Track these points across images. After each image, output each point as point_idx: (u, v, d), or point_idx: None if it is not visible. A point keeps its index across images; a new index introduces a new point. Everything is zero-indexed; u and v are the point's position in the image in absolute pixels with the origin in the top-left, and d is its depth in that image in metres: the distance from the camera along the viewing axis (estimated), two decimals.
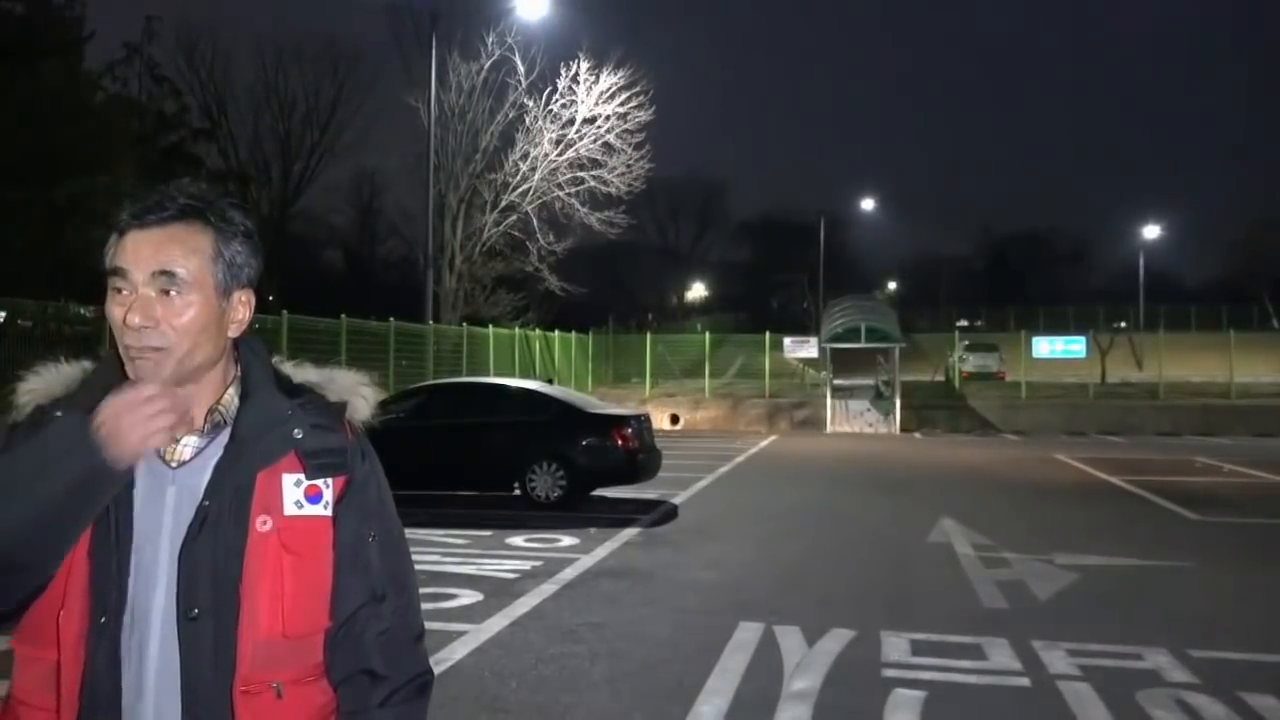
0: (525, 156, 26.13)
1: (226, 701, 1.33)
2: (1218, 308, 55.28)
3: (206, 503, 1.35)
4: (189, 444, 1.40)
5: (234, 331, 1.44)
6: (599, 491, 11.56)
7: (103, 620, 1.32)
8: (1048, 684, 5.03)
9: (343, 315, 17.26)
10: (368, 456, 1.50)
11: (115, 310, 1.37)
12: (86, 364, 1.46)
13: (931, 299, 68.31)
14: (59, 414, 1.35)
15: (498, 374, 22.06)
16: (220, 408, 1.42)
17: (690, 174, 76.87)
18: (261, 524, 1.37)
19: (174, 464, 1.39)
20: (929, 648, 5.64)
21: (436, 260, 23.89)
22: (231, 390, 1.44)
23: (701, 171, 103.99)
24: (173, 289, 1.36)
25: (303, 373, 1.53)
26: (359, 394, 1.52)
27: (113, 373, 1.41)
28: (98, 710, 1.32)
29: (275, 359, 1.52)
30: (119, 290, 1.37)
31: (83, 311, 13.11)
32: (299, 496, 1.40)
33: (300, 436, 1.41)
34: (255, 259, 1.45)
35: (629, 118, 26.15)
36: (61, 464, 1.26)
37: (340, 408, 1.48)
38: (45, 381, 1.43)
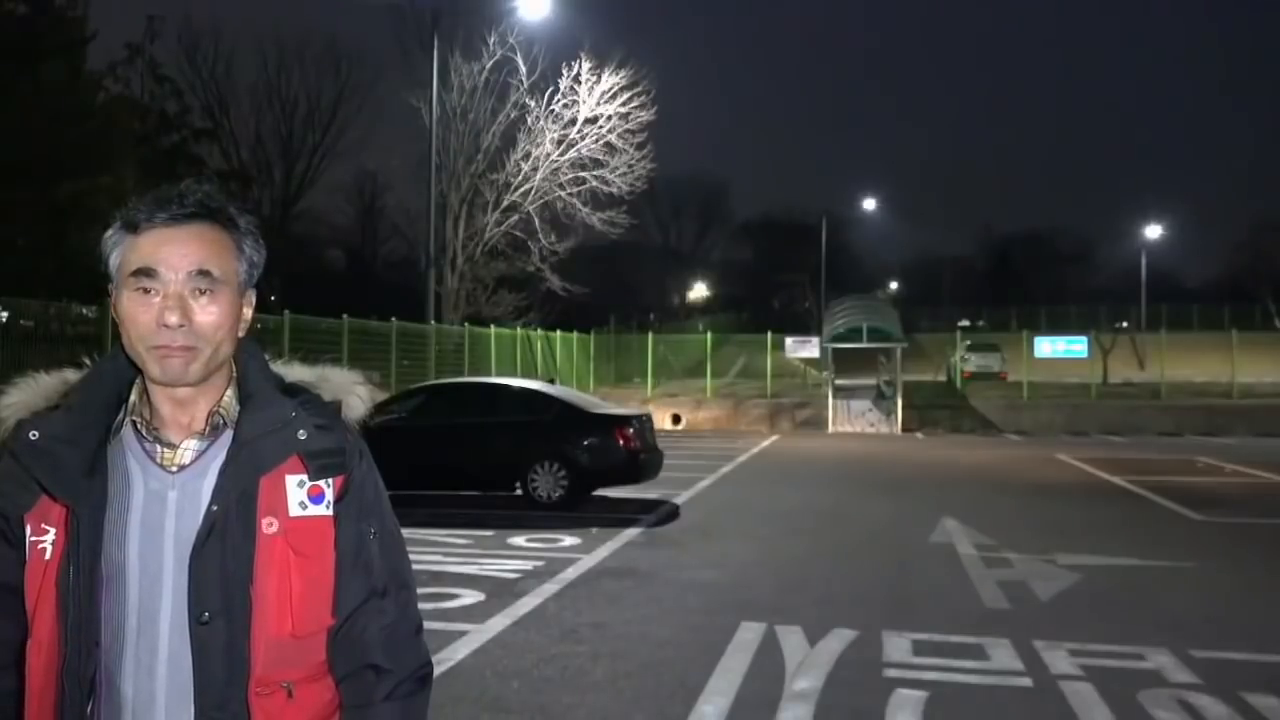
0: (527, 156, 26.14)
1: (242, 704, 1.34)
2: (1220, 308, 55.20)
3: (214, 508, 1.34)
4: (189, 447, 1.39)
5: (242, 330, 1.44)
6: (601, 491, 11.55)
7: (75, 651, 1.32)
8: (1050, 684, 5.03)
9: (345, 315, 17.26)
10: (364, 455, 1.49)
11: (141, 312, 1.35)
12: (69, 374, 1.44)
13: (933, 299, 68.26)
14: (34, 434, 1.35)
15: (499, 374, 22.06)
16: (220, 410, 1.41)
17: (692, 174, 77.31)
18: (268, 526, 1.37)
19: (174, 468, 1.38)
20: (931, 648, 5.64)
21: (438, 260, 23.90)
22: (230, 392, 1.43)
23: (703, 171, 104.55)
24: (207, 288, 1.36)
25: (293, 371, 1.52)
26: (354, 393, 1.52)
27: (117, 376, 1.41)
28: None
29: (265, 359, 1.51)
30: (146, 290, 1.35)
31: (85, 311, 13.10)
32: (303, 497, 1.40)
33: (304, 438, 1.41)
34: (262, 259, 1.47)
35: (631, 117, 26.17)
36: None
37: (336, 407, 1.48)
38: (25, 395, 1.42)
